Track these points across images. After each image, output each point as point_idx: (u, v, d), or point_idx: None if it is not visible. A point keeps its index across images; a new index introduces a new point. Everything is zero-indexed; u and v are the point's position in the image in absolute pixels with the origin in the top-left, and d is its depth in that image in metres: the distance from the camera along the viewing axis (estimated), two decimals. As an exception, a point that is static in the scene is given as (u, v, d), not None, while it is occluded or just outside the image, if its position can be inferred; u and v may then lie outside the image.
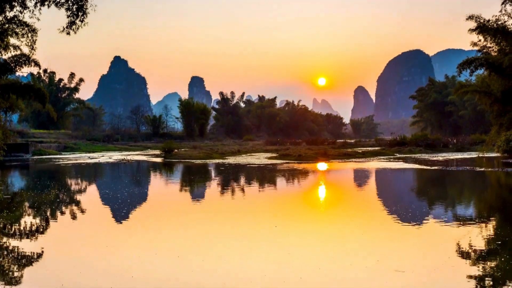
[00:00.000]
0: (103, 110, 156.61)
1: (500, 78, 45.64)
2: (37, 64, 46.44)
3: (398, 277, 7.93)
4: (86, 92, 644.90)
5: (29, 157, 52.13)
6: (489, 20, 45.53)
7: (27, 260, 9.28)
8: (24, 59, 45.04)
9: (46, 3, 30.14)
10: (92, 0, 30.30)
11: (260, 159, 45.26)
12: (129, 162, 43.65)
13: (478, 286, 7.51)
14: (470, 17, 46.16)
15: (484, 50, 48.53)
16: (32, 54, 42.43)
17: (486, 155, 48.91)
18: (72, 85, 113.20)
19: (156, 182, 26.67)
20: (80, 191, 21.75)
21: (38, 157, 53.19)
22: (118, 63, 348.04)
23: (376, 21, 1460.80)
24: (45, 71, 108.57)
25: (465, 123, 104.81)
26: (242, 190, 21.08)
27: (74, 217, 14.25)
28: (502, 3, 45.53)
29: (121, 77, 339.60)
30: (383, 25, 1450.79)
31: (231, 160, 44.30)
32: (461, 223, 12.66)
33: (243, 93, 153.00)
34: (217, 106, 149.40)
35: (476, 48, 48.53)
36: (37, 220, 13.60)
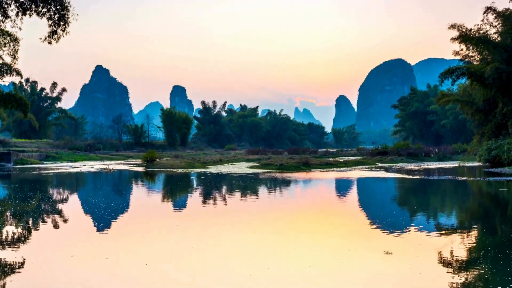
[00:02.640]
0: (85, 119, 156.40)
1: (482, 87, 46.00)
2: (19, 73, 46.31)
3: (380, 286, 7.93)
4: (67, 102, 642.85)
5: (11, 166, 51.75)
6: (471, 29, 45.96)
7: (7, 270, 9.15)
8: (6, 69, 44.91)
9: (28, 12, 30.04)
10: (73, 9, 30.34)
11: (241, 168, 45.27)
12: (111, 171, 43.43)
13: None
14: (453, 26, 46.57)
15: (466, 59, 49.01)
16: (14, 63, 42.32)
17: (467, 164, 49.30)
18: (54, 95, 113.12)
19: (138, 191, 26.52)
20: (62, 201, 21.55)
21: (20, 166, 52.86)
22: (100, 72, 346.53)
23: (358, 30, 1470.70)
24: (27, 80, 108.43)
25: (447, 132, 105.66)
26: (224, 199, 21.02)
27: (55, 226, 14.10)
28: (484, 13, 46.08)
29: (103, 86, 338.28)
30: (365, 34, 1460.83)
31: (213, 169, 44.28)
32: (443, 232, 12.72)
33: (225, 102, 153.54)
34: (199, 116, 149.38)
35: (458, 57, 48.97)
36: (18, 230, 13.44)
